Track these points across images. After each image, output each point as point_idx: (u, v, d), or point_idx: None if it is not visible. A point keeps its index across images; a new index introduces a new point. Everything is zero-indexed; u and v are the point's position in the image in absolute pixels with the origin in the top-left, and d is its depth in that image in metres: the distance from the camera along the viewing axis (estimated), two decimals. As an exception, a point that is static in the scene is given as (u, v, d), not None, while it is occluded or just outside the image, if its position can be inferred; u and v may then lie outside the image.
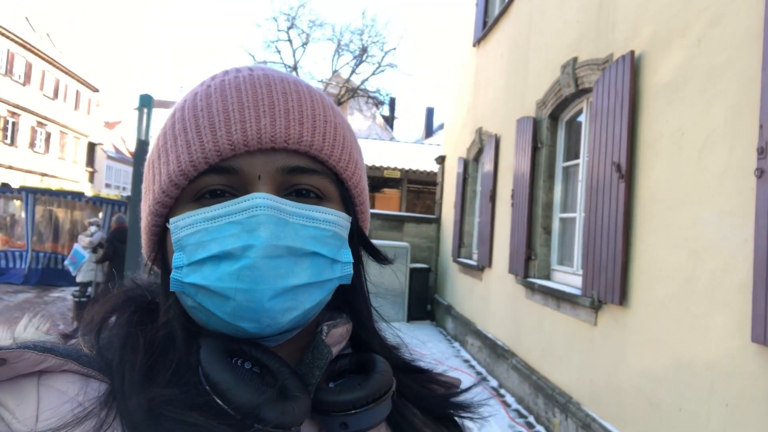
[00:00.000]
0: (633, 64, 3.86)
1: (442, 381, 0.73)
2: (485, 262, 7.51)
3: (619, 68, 3.99)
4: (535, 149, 5.88)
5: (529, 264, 5.81)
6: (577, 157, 5.35)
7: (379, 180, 17.34)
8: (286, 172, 0.57)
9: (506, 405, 5.70)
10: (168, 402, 0.50)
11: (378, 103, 28.99)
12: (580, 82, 4.91)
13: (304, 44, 27.01)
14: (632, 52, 3.88)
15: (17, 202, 14.80)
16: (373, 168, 15.78)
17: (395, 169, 16.35)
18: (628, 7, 4.15)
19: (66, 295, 11.58)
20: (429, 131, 31.29)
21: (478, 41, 8.97)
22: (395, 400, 0.63)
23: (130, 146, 46.69)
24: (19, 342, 0.53)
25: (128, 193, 31.60)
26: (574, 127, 5.63)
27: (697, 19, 3.27)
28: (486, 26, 8.61)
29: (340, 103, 26.04)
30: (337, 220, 0.59)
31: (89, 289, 9.21)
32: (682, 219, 3.28)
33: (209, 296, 0.53)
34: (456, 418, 0.72)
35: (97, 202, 14.07)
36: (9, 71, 25.17)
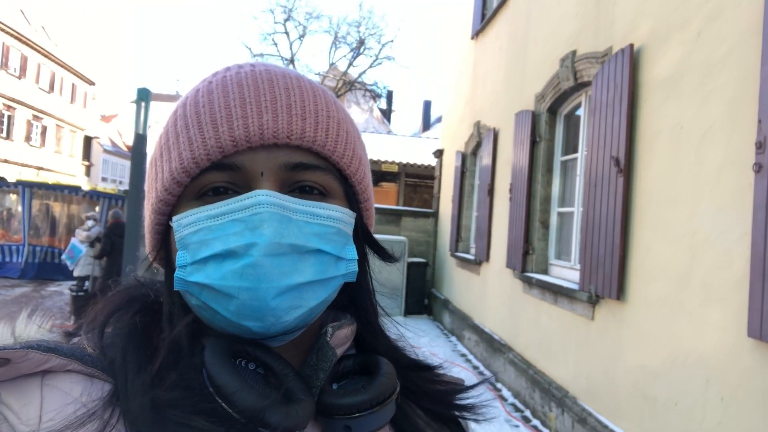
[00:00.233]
0: (632, 58, 3.85)
1: (446, 381, 0.73)
2: (483, 257, 7.51)
3: (618, 62, 3.98)
4: (533, 143, 5.87)
5: (526, 258, 5.82)
6: (575, 151, 5.34)
7: (376, 174, 17.31)
8: (288, 168, 0.56)
9: (503, 399, 5.72)
10: (171, 404, 0.50)
11: (375, 96, 28.91)
12: (579, 75, 4.90)
13: (301, 36, 26.93)
14: (631, 46, 3.86)
15: (13, 196, 14.75)
16: (370, 162, 15.71)
17: (393, 162, 16.34)
18: (627, 0, 4.13)
19: (63, 289, 11.56)
20: (426, 124, 31.22)
21: (476, 34, 8.94)
22: (399, 402, 0.62)
23: (126, 140, 46.55)
24: (22, 341, 0.52)
25: (125, 186, 31.52)
26: (572, 121, 5.62)
27: (697, 12, 3.25)
28: (484, 19, 8.58)
29: (337, 96, 25.90)
30: (341, 216, 0.58)
31: (86, 284, 9.20)
32: (680, 213, 3.28)
33: (213, 295, 0.53)
34: (459, 420, 0.71)
35: (93, 196, 14.01)
36: (4, 64, 25.03)
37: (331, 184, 0.59)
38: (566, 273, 5.19)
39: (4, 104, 25.24)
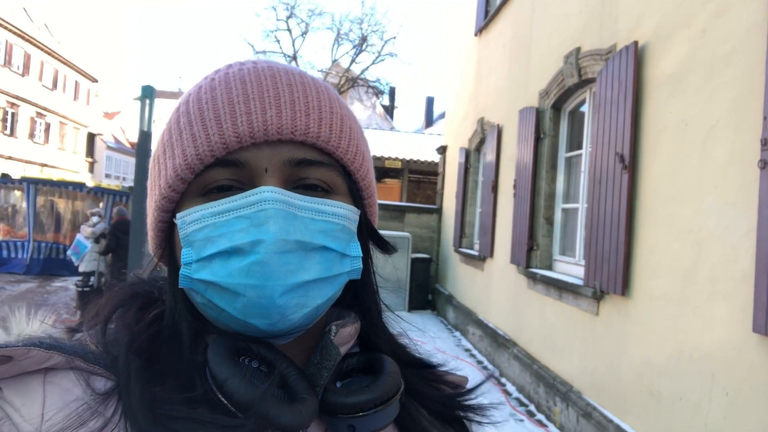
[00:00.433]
0: (636, 55, 3.86)
1: (450, 380, 0.72)
2: (487, 252, 7.54)
3: (623, 58, 3.99)
4: (537, 139, 5.88)
5: (531, 254, 5.84)
6: (579, 147, 5.35)
7: (380, 170, 17.32)
8: (293, 164, 0.56)
9: (507, 394, 5.75)
10: (173, 402, 0.50)
11: (378, 93, 28.90)
12: (583, 72, 4.91)
13: (304, 34, 26.88)
14: (636, 43, 3.87)
15: (18, 193, 14.82)
16: (373, 158, 15.68)
17: (396, 159, 16.35)
18: (631, -3, 4.14)
19: (68, 284, 11.62)
20: (429, 121, 31.20)
21: (479, 30, 8.94)
22: (403, 401, 0.62)
23: (129, 136, 46.61)
24: (24, 338, 0.52)
25: (128, 183, 31.54)
26: (576, 118, 5.63)
27: (702, 9, 3.26)
28: (488, 15, 8.57)
29: (339, 93, 25.95)
30: (346, 213, 0.58)
31: (92, 279, 9.26)
32: (685, 210, 3.29)
33: (219, 293, 0.53)
34: (464, 420, 0.71)
35: (98, 193, 14.09)
36: (8, 62, 25.07)
37: (335, 180, 0.59)
38: (571, 269, 5.21)
39: (8, 101, 25.29)
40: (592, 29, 4.75)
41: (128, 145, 45.56)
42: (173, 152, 0.57)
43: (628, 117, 3.86)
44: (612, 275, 3.95)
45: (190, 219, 0.54)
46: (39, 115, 28.05)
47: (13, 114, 25.80)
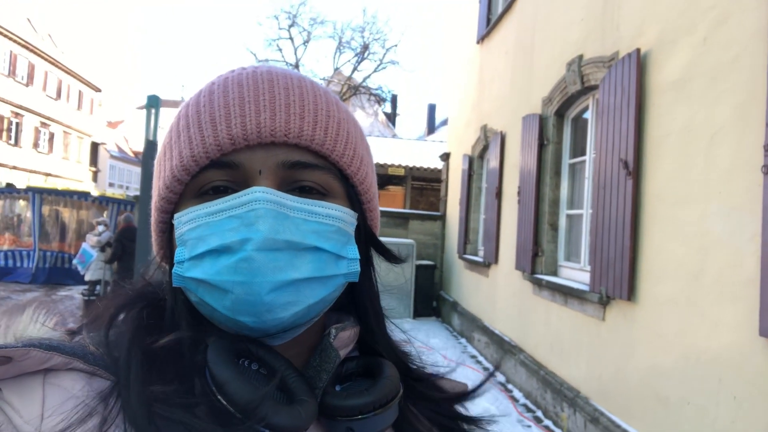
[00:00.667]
0: (639, 62, 3.90)
1: (449, 387, 0.72)
2: (491, 259, 7.56)
3: (626, 66, 4.03)
4: (541, 146, 5.92)
5: (536, 260, 5.86)
6: (583, 153, 5.39)
7: (383, 177, 17.37)
8: (287, 167, 0.56)
9: (514, 400, 5.76)
10: (172, 402, 0.50)
11: (380, 101, 29.00)
12: (586, 79, 4.95)
13: (306, 42, 27.03)
14: (638, 50, 3.92)
15: (22, 202, 14.88)
16: (376, 165, 15.69)
17: (399, 166, 16.39)
18: (633, 5, 4.19)
19: (74, 293, 11.66)
20: (431, 128, 31.29)
21: (482, 38, 9.00)
22: (401, 406, 0.62)
23: (132, 145, 46.78)
24: (24, 339, 0.53)
25: (131, 192, 31.60)
26: (580, 124, 5.67)
27: (704, 17, 3.31)
28: (490, 23, 8.64)
29: (342, 101, 26.02)
30: (341, 215, 0.58)
31: (98, 288, 9.30)
32: (689, 215, 3.32)
33: (209, 291, 0.53)
34: (464, 428, 0.70)
35: (102, 202, 14.17)
36: (12, 72, 25.25)
37: (330, 183, 0.59)
38: (576, 274, 5.23)
39: (12, 111, 25.45)
40: (595, 37, 4.80)
41: (131, 154, 45.74)
42: (171, 154, 0.58)
43: (632, 123, 3.89)
44: (617, 280, 3.97)
45: (185, 219, 0.56)
46: (43, 124, 28.22)
47: (17, 124, 25.96)
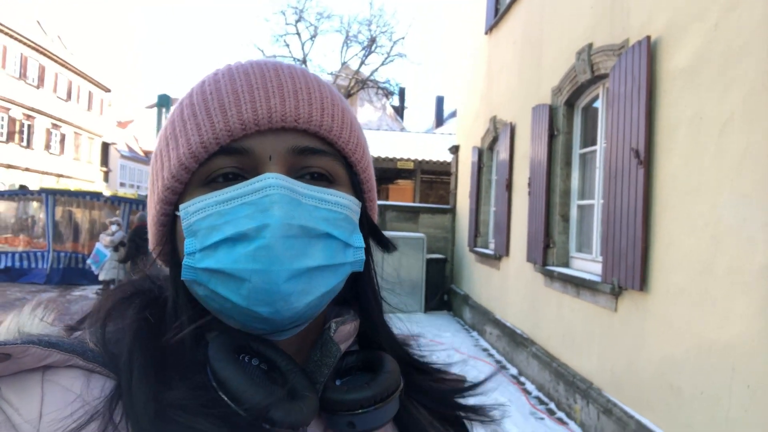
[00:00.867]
0: (649, 50, 3.85)
1: (449, 379, 0.72)
2: (502, 251, 7.53)
3: (636, 54, 3.99)
4: (551, 136, 5.88)
5: (547, 252, 5.83)
6: (594, 143, 5.35)
7: (392, 171, 17.35)
8: (296, 152, 0.56)
9: (527, 392, 5.75)
10: (175, 402, 0.50)
11: (388, 94, 28.92)
12: (595, 68, 4.91)
13: (313, 37, 27.00)
14: (648, 38, 3.87)
15: (36, 204, 15.05)
16: (386, 159, 15.76)
17: (408, 159, 16.35)
18: (642, -8, 4.14)
19: (88, 293, 11.78)
20: (440, 120, 31.16)
21: (490, 29, 8.94)
22: (402, 399, 0.62)
23: (143, 145, 47.07)
24: (23, 336, 0.52)
25: (143, 191, 31.78)
26: (590, 114, 5.62)
27: (714, 3, 3.26)
28: (498, 14, 8.58)
29: (349, 95, 26.05)
30: (348, 203, 0.59)
31: (112, 287, 9.39)
32: (702, 203, 3.29)
33: (224, 281, 0.52)
34: (464, 420, 0.70)
35: (114, 202, 14.29)
36: (23, 75, 25.50)
37: (337, 170, 0.59)
38: (588, 265, 5.20)
39: (24, 114, 25.71)
40: (604, 25, 4.75)
41: (142, 154, 46.05)
42: (177, 143, 0.57)
43: (642, 112, 3.85)
44: (630, 271, 3.94)
45: (194, 209, 0.54)
46: (54, 126, 28.49)
47: (29, 126, 26.23)
